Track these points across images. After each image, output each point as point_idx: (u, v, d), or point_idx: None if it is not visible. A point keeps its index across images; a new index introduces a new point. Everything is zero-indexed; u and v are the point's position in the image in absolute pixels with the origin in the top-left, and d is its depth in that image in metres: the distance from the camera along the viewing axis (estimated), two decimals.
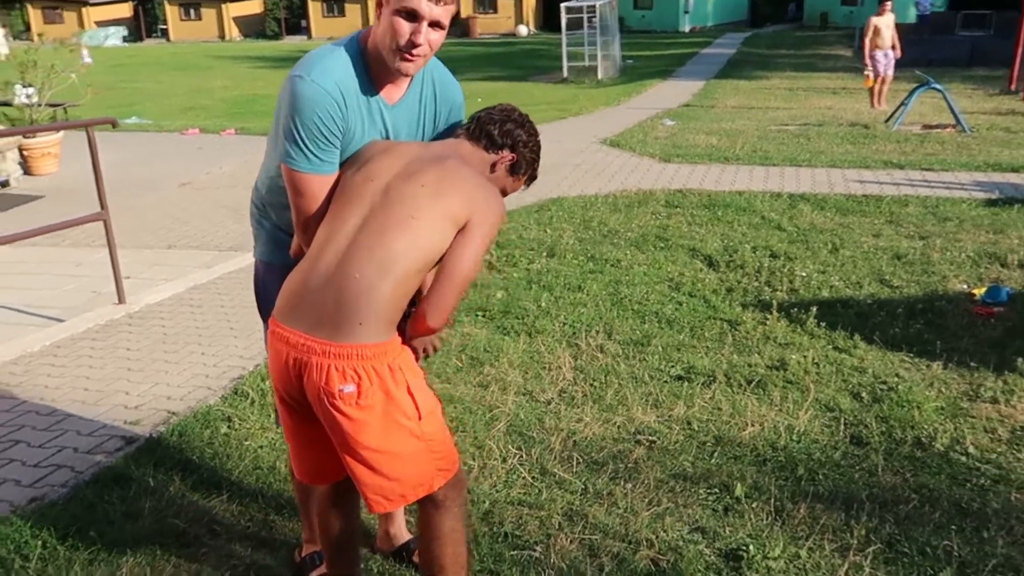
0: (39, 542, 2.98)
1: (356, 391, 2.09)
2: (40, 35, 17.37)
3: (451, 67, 2.47)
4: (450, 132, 2.45)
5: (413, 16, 2.12)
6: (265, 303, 2.31)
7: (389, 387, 2.14)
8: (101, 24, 51.90)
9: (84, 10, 52.79)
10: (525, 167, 2.41)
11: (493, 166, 2.35)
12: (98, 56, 33.03)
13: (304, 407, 2.21)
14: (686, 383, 4.23)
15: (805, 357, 4.42)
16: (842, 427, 3.76)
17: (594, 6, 22.59)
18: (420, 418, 2.19)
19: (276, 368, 2.21)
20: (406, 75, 2.23)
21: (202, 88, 24.57)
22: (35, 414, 4.01)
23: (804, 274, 5.73)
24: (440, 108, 2.43)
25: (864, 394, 4.06)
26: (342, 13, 48.65)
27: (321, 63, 2.18)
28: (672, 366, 4.43)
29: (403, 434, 2.18)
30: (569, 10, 23.04)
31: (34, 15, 51.99)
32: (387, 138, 2.33)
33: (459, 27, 46.83)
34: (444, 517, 2.34)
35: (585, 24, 22.55)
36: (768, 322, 4.95)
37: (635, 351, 4.62)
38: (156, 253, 6.85)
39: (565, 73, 22.87)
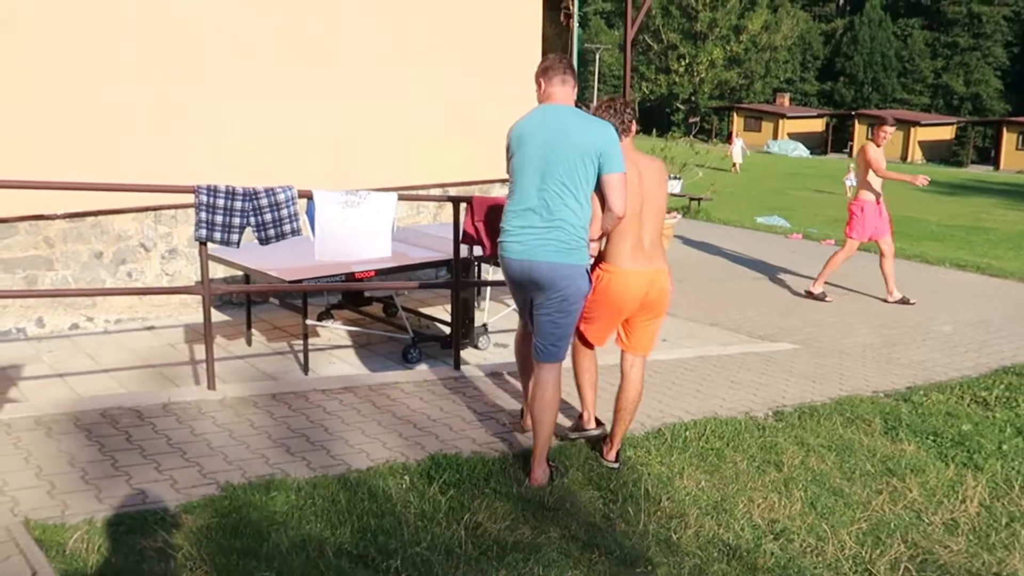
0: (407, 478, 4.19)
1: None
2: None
3: None
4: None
5: None
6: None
7: None
8: (793, 136, 55.96)
9: (781, 122, 57.53)
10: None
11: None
12: (768, 164, 35.50)
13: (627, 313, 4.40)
14: None
15: None
16: None
17: None
18: None
19: (627, 295, 4.28)
20: None
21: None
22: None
23: None
24: None
25: None
26: None
27: None
28: None
29: None
30: None
31: (737, 122, 58.21)
32: None
33: None
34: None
35: None
36: None
37: None
38: (697, 326, 7.96)
39: None
